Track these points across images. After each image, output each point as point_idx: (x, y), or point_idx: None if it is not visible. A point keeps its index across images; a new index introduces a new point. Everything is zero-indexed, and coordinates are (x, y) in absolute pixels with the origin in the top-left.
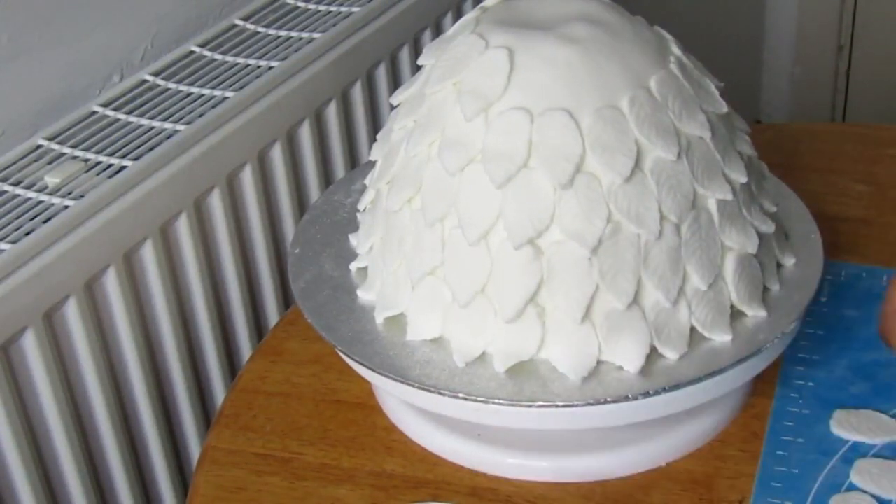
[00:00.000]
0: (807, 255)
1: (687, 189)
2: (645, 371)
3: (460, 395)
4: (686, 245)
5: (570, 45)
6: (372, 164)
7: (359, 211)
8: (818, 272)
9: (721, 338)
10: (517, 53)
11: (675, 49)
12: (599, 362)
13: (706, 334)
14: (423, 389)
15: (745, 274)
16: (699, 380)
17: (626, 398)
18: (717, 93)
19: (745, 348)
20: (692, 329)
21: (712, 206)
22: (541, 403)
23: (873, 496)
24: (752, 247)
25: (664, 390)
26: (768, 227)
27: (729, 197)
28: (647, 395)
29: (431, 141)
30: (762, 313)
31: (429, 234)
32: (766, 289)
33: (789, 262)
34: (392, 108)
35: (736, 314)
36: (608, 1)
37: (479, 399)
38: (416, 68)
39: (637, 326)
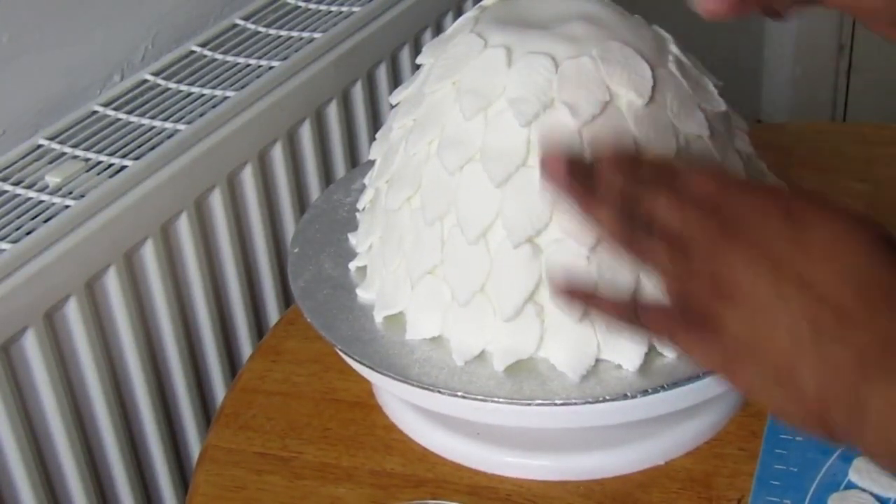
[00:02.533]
0: None
1: None
2: (644, 369)
3: (459, 393)
4: None
5: (569, 43)
6: (372, 163)
7: (358, 210)
8: None
9: None
10: (515, 52)
11: (674, 48)
12: (598, 360)
13: None
14: (423, 388)
15: None
16: (697, 378)
17: (625, 396)
18: (715, 91)
19: None
20: None
21: None
22: (539, 402)
23: (872, 494)
24: None
25: (662, 388)
26: None
27: None
28: (645, 393)
29: (431, 140)
30: None
31: (428, 233)
32: None
33: None
34: (392, 107)
35: None
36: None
37: (477, 397)
38: (417, 68)
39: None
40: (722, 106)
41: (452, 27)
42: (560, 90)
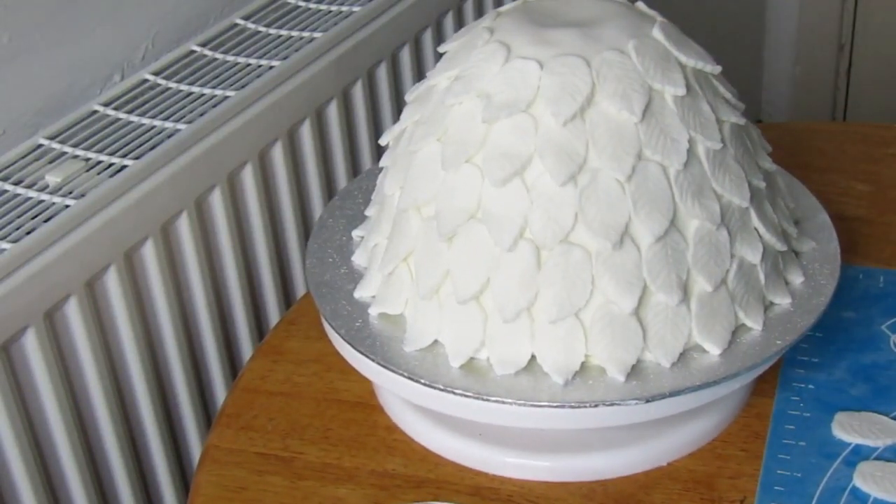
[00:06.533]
0: (820, 279)
1: (700, 194)
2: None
3: (459, 391)
4: (695, 251)
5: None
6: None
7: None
8: (824, 303)
9: (713, 350)
10: (545, 65)
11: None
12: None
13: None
14: (428, 386)
15: (749, 285)
16: (689, 390)
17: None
18: (735, 103)
19: (735, 362)
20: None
21: (726, 212)
22: (540, 403)
23: (877, 499)
24: (755, 257)
25: (700, 386)
26: (778, 244)
27: (745, 204)
28: (644, 400)
29: (440, 142)
30: (757, 327)
31: (436, 239)
32: (772, 303)
33: (797, 279)
34: (392, 108)
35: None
36: (625, 1)
37: (477, 396)
38: (418, 68)
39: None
40: (741, 120)
41: (469, 34)
42: (601, 86)
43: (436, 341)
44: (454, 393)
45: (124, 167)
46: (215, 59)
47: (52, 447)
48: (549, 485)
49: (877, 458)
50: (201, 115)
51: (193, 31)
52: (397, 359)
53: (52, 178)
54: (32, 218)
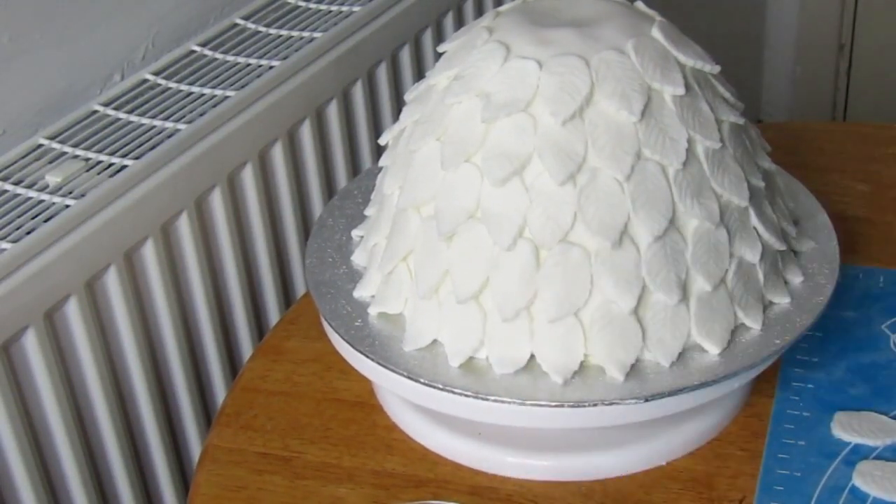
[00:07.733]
0: (819, 279)
1: (699, 194)
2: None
3: (458, 390)
4: (693, 250)
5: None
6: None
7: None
8: (823, 302)
9: (712, 350)
10: (544, 65)
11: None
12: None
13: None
14: (427, 385)
15: (748, 284)
16: (688, 390)
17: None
18: (735, 102)
19: (734, 362)
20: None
21: (725, 213)
22: (537, 403)
23: (876, 498)
24: (754, 257)
25: (699, 385)
26: (777, 244)
27: (744, 203)
28: (642, 399)
29: (440, 141)
30: (756, 327)
31: (435, 238)
32: (771, 303)
33: (796, 279)
34: (392, 108)
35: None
36: (624, 1)
37: (476, 395)
38: (417, 68)
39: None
40: (740, 119)
41: (468, 34)
42: (600, 86)
43: (435, 341)
44: (453, 392)
45: (124, 167)
46: (215, 59)
47: (52, 447)
48: (548, 484)
49: (876, 458)
50: (201, 115)
51: (193, 31)
52: (396, 358)
53: (52, 178)
54: (32, 218)
